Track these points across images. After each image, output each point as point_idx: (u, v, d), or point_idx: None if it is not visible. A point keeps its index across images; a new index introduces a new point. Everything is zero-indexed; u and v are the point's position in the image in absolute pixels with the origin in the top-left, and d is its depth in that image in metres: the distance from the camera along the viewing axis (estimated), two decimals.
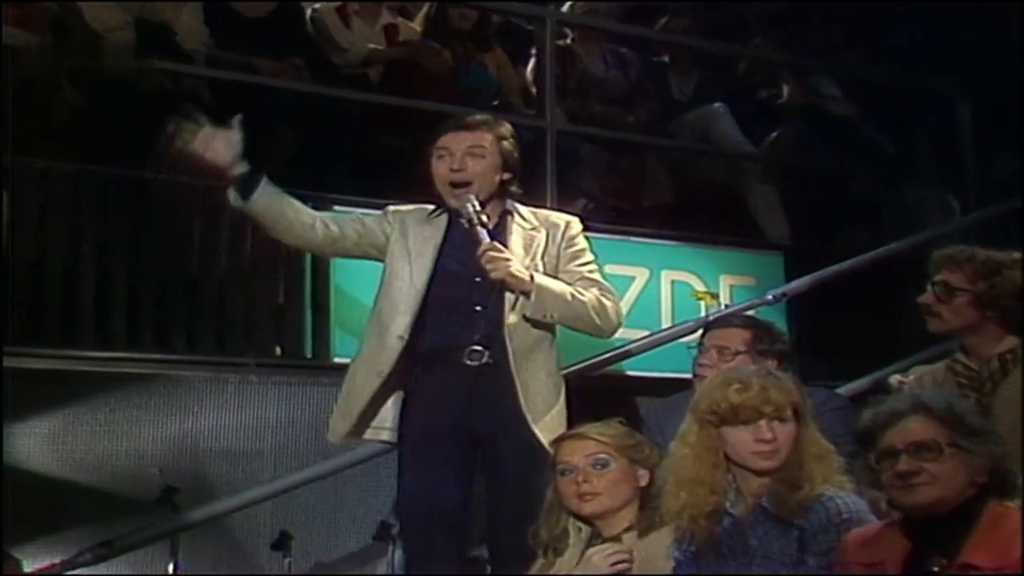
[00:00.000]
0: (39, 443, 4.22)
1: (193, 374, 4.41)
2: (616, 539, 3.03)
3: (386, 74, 5.23)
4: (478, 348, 3.48)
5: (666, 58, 6.14)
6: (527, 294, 3.46)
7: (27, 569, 3.93)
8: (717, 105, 5.86)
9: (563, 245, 3.64)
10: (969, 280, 3.37)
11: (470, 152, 3.56)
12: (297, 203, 3.62)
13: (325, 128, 4.95)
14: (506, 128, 3.67)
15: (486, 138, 3.59)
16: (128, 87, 4.66)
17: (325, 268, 4.50)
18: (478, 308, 3.50)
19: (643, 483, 3.07)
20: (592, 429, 3.14)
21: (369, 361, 3.55)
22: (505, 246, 3.51)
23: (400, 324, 3.51)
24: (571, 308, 3.54)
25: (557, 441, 3.21)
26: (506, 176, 3.62)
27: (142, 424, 4.33)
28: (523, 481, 3.33)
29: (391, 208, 3.74)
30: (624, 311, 3.79)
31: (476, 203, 3.49)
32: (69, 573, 3.89)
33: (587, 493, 3.04)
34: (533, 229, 3.63)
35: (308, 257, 4.51)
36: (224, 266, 4.50)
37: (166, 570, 3.99)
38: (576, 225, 3.72)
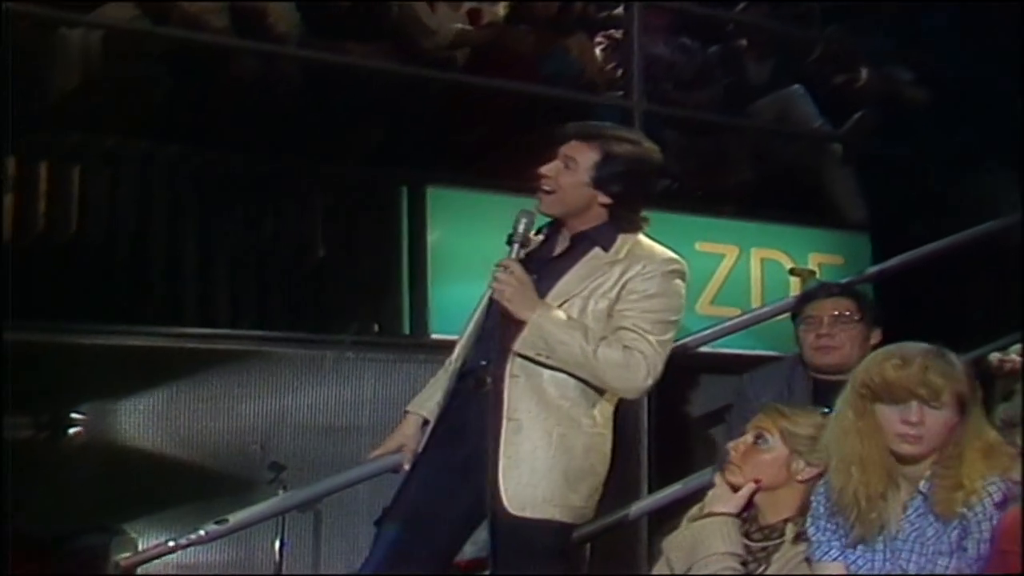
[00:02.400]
0: (143, 420, 4.27)
1: (292, 351, 4.43)
2: (774, 528, 2.90)
3: (473, 57, 5.22)
4: (482, 375, 3.13)
5: (743, 42, 6.12)
6: (521, 324, 3.05)
7: (139, 547, 3.96)
8: (796, 87, 5.85)
9: (631, 281, 3.11)
10: None
11: (564, 162, 3.14)
12: None
13: (414, 112, 4.96)
14: (614, 146, 3.15)
15: (583, 151, 3.13)
16: (222, 70, 4.70)
17: (423, 245, 4.53)
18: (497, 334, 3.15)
19: (799, 477, 2.90)
20: (780, 407, 3.01)
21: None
22: (560, 272, 3.12)
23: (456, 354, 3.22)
24: (574, 357, 3.04)
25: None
26: (602, 199, 3.13)
27: (243, 401, 4.37)
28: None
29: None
30: (658, 367, 3.08)
31: (526, 221, 3.11)
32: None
33: (730, 462, 2.95)
34: (612, 263, 3.13)
35: (405, 234, 4.55)
36: (322, 245, 4.54)
37: (272, 547, 4.03)
38: (664, 265, 3.14)
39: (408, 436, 3.26)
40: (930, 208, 5.91)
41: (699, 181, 5.57)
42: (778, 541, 2.89)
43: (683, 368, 4.34)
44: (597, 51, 5.66)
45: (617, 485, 4.05)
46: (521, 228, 3.11)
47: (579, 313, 3.09)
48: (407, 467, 3.23)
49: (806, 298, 3.89)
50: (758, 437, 2.94)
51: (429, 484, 3.17)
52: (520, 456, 3.04)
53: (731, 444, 3.00)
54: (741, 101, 5.89)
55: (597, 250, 3.15)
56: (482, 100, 5.05)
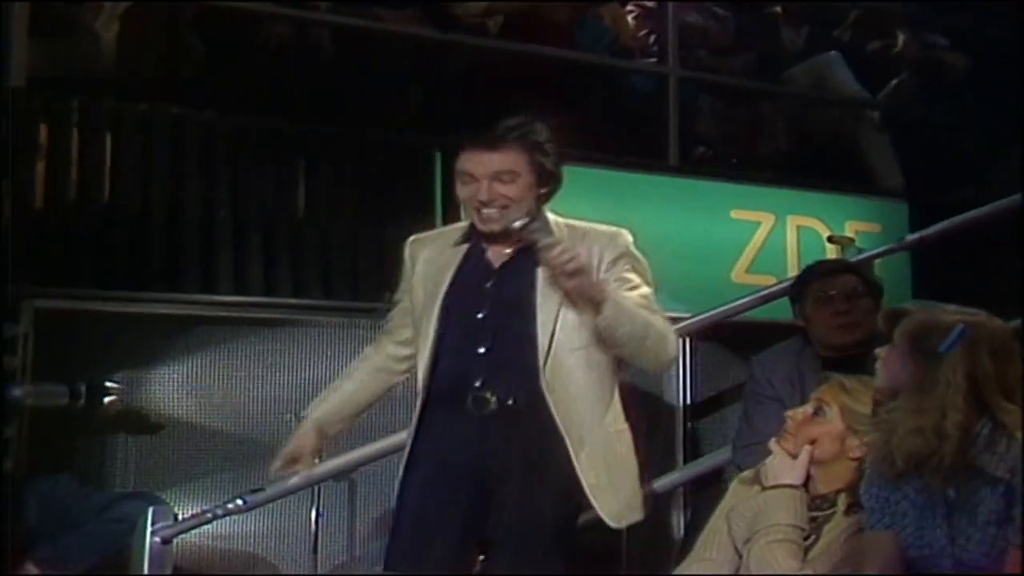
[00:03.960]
0: (177, 389, 4.22)
1: (326, 319, 4.37)
2: (826, 498, 2.89)
3: (506, 24, 5.17)
4: (481, 395, 2.97)
5: (778, 8, 6.05)
6: (597, 302, 2.90)
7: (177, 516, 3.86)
8: (832, 53, 5.80)
9: (608, 265, 3.03)
10: None
11: (498, 178, 2.97)
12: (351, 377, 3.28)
13: (449, 78, 4.93)
14: (541, 133, 3.04)
15: (517, 159, 2.98)
16: (252, 36, 4.67)
17: (456, 212, 4.47)
18: (481, 350, 3.00)
19: (851, 454, 2.90)
20: (845, 379, 2.98)
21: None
22: (526, 275, 2.99)
23: (419, 377, 3.07)
24: (640, 329, 2.95)
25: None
26: (543, 191, 3.05)
27: (277, 370, 4.32)
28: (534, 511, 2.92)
29: (409, 240, 3.26)
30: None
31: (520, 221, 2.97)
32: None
33: (786, 431, 2.93)
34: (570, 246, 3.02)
35: (439, 201, 4.49)
36: (357, 212, 4.49)
37: (308, 516, 3.98)
38: (624, 239, 3.08)
39: (303, 446, 3.24)
40: (968, 175, 5.87)
41: (734, 148, 5.52)
42: (830, 512, 2.88)
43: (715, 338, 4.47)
44: (630, 18, 5.62)
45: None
46: (523, 221, 2.96)
47: (580, 311, 2.98)
48: (296, 480, 3.31)
49: (809, 276, 3.83)
50: (817, 409, 2.93)
51: (427, 529, 3.00)
52: (601, 470, 2.95)
53: (789, 413, 2.98)
54: (776, 67, 5.83)
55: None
56: (516, 67, 4.99)
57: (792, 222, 4.99)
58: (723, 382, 4.72)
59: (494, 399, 2.96)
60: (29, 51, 4.06)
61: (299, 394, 4.23)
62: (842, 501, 2.86)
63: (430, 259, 3.14)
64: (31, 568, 3.53)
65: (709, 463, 4.23)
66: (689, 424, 4.67)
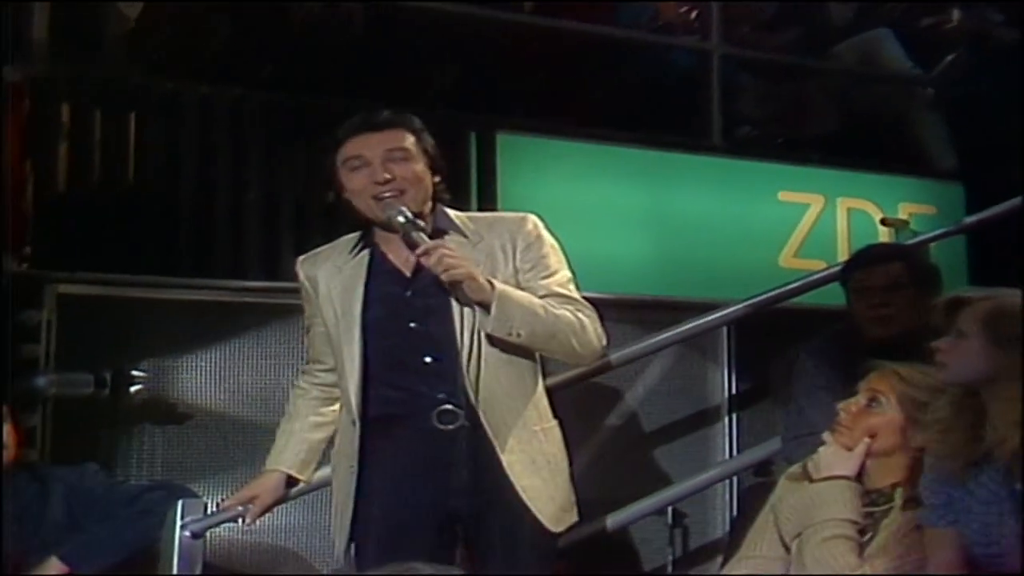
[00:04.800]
0: (206, 378, 4.11)
1: None
2: (882, 492, 2.80)
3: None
4: (448, 407, 2.84)
5: None
6: (486, 306, 2.78)
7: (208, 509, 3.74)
8: (882, 29, 5.64)
9: (521, 253, 2.91)
10: None
11: (390, 157, 2.86)
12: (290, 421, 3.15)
13: (485, 56, 4.82)
14: (419, 122, 2.96)
15: (406, 138, 2.88)
16: (279, 11, 4.56)
17: (493, 192, 4.37)
18: (427, 360, 2.86)
19: (913, 444, 2.78)
20: (896, 366, 2.86)
21: (342, 454, 2.97)
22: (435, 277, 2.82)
23: (352, 402, 2.88)
24: (543, 324, 2.82)
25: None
26: (436, 179, 2.93)
27: None
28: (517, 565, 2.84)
29: (299, 261, 3.09)
30: (599, 326, 2.93)
31: (407, 211, 2.82)
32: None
33: (840, 424, 2.83)
34: (474, 246, 2.90)
35: (474, 182, 4.38)
36: None
37: None
38: (534, 224, 2.95)
39: (266, 490, 3.13)
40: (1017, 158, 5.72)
41: (780, 127, 5.40)
42: (886, 507, 2.78)
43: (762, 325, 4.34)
44: None
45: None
46: (407, 215, 2.82)
47: None
48: (248, 520, 3.17)
49: (852, 265, 3.70)
50: (871, 399, 2.81)
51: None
52: (532, 472, 2.85)
53: (842, 405, 2.84)
54: (823, 43, 5.69)
55: (455, 238, 2.90)
56: (554, 44, 4.89)
57: (843, 204, 4.89)
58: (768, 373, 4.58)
59: (460, 411, 2.83)
60: (51, 28, 3.98)
61: None
62: (899, 495, 2.76)
63: (330, 275, 2.98)
64: (55, 566, 3.41)
65: (756, 456, 4.11)
66: (734, 415, 4.60)
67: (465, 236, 2.91)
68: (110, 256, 3.99)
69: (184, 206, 4.16)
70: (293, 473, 3.13)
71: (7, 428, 3.48)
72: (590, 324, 2.91)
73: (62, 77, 3.99)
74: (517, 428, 2.86)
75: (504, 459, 2.82)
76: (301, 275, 3.05)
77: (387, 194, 2.84)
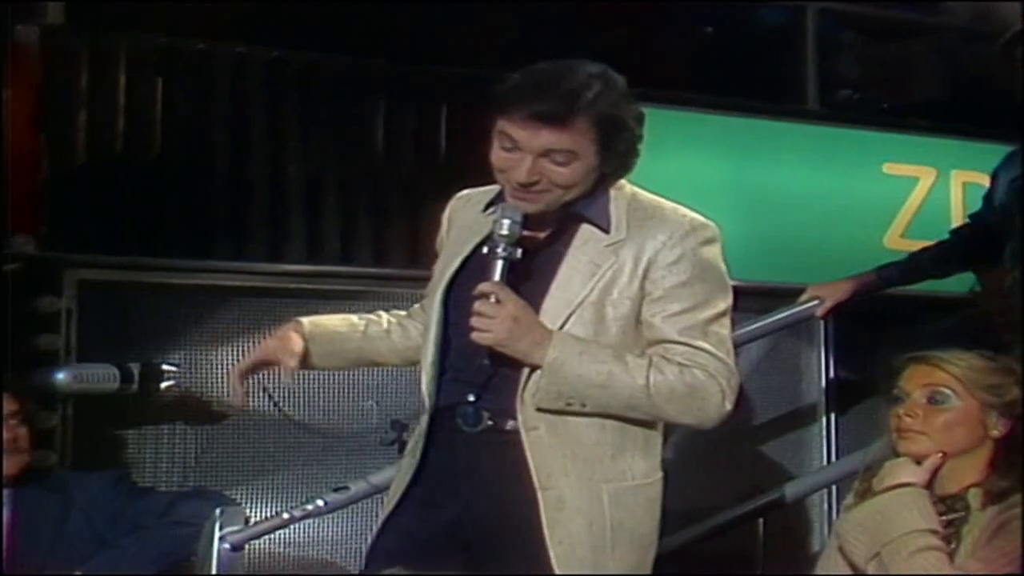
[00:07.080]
0: None
1: (409, 292, 3.87)
2: (957, 497, 2.63)
3: None
4: (475, 408, 2.46)
5: None
6: (535, 368, 2.39)
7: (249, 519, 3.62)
8: None
9: (657, 272, 2.43)
10: None
11: (549, 156, 2.40)
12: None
13: (546, 11, 4.55)
14: (611, 93, 2.40)
15: (575, 138, 2.38)
16: None
17: None
18: (485, 361, 2.45)
19: (994, 433, 2.65)
20: (941, 354, 2.72)
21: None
22: (549, 269, 2.45)
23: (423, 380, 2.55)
24: (612, 398, 2.38)
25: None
26: (605, 172, 2.45)
27: None
28: None
29: (455, 197, 2.75)
30: (732, 382, 2.43)
31: (518, 225, 2.41)
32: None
33: (907, 430, 2.65)
34: (616, 246, 2.45)
35: None
36: (444, 167, 4.14)
37: None
38: (698, 239, 2.45)
39: (285, 347, 2.69)
40: None
41: (885, 91, 5.14)
42: (963, 513, 2.65)
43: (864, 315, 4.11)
44: None
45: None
46: (505, 229, 2.39)
47: (596, 327, 2.39)
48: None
49: None
50: (931, 396, 2.67)
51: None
52: (574, 537, 2.36)
53: (901, 411, 2.68)
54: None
55: (591, 230, 2.46)
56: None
57: (957, 177, 4.67)
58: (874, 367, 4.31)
59: (487, 416, 2.43)
60: None
61: (381, 378, 4.03)
62: (973, 496, 2.64)
63: (467, 225, 2.58)
64: None
65: (856, 462, 3.81)
66: (833, 415, 4.45)
67: (607, 232, 2.45)
68: (135, 237, 3.86)
69: (218, 181, 3.99)
70: (306, 332, 2.72)
71: (23, 430, 3.37)
72: (714, 388, 2.40)
73: (80, 38, 3.79)
74: (580, 476, 2.40)
75: (544, 512, 2.36)
76: (446, 213, 2.72)
77: (523, 195, 2.41)
